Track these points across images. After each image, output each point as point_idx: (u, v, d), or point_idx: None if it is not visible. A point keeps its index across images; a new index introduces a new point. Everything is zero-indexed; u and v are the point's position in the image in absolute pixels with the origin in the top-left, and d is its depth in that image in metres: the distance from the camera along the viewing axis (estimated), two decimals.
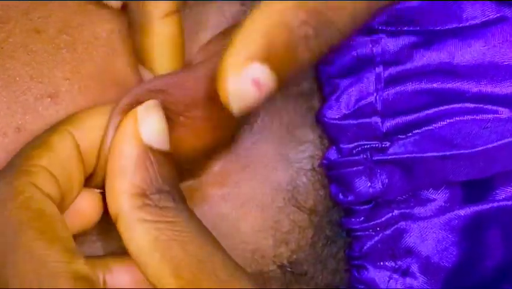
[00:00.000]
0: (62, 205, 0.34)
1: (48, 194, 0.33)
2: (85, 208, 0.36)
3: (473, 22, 0.37)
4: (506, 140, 0.36)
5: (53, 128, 0.35)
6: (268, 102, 0.38)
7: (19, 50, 0.37)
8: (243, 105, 0.31)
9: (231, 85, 0.31)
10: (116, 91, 0.37)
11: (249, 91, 0.31)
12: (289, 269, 0.39)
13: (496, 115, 0.36)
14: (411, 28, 0.37)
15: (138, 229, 0.33)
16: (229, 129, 0.37)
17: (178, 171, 0.35)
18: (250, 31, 0.31)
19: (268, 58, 0.31)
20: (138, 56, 0.36)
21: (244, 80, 0.31)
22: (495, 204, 0.37)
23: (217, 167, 0.38)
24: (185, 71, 0.35)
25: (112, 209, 0.34)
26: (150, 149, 0.34)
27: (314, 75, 0.38)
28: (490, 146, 0.36)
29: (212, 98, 0.34)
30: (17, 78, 0.37)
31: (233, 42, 0.31)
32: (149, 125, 0.34)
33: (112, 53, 0.37)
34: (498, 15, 0.37)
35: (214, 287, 0.32)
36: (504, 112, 0.36)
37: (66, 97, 0.37)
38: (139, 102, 0.35)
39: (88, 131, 0.35)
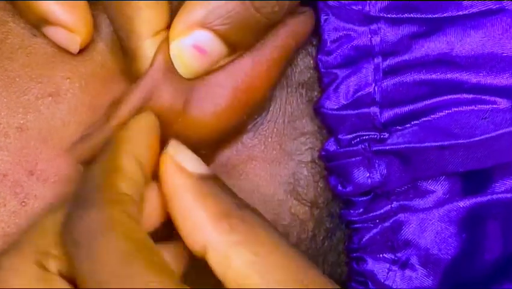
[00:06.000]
0: None
1: (138, 222, 0.32)
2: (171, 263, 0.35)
3: (472, 10, 0.36)
4: (503, 130, 0.36)
5: (114, 152, 0.34)
6: (277, 94, 0.38)
7: (18, 51, 0.37)
8: (187, 69, 0.34)
9: (172, 51, 0.34)
10: (118, 86, 0.37)
11: (190, 55, 0.34)
12: None
13: (494, 106, 0.36)
14: (412, 15, 0.37)
15: (233, 255, 0.33)
16: (234, 120, 0.37)
17: None
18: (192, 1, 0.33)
19: (211, 25, 0.33)
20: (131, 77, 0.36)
21: (184, 46, 0.34)
22: (494, 196, 0.37)
23: (223, 158, 0.38)
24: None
25: (197, 247, 0.33)
26: (204, 176, 0.34)
27: (314, 66, 0.38)
28: (487, 135, 0.36)
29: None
30: (17, 79, 0.37)
31: (179, 12, 0.34)
32: (189, 159, 0.34)
33: (112, 48, 0.37)
34: (498, 6, 0.37)
35: None
36: (502, 103, 0.36)
37: (68, 95, 0.37)
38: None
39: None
